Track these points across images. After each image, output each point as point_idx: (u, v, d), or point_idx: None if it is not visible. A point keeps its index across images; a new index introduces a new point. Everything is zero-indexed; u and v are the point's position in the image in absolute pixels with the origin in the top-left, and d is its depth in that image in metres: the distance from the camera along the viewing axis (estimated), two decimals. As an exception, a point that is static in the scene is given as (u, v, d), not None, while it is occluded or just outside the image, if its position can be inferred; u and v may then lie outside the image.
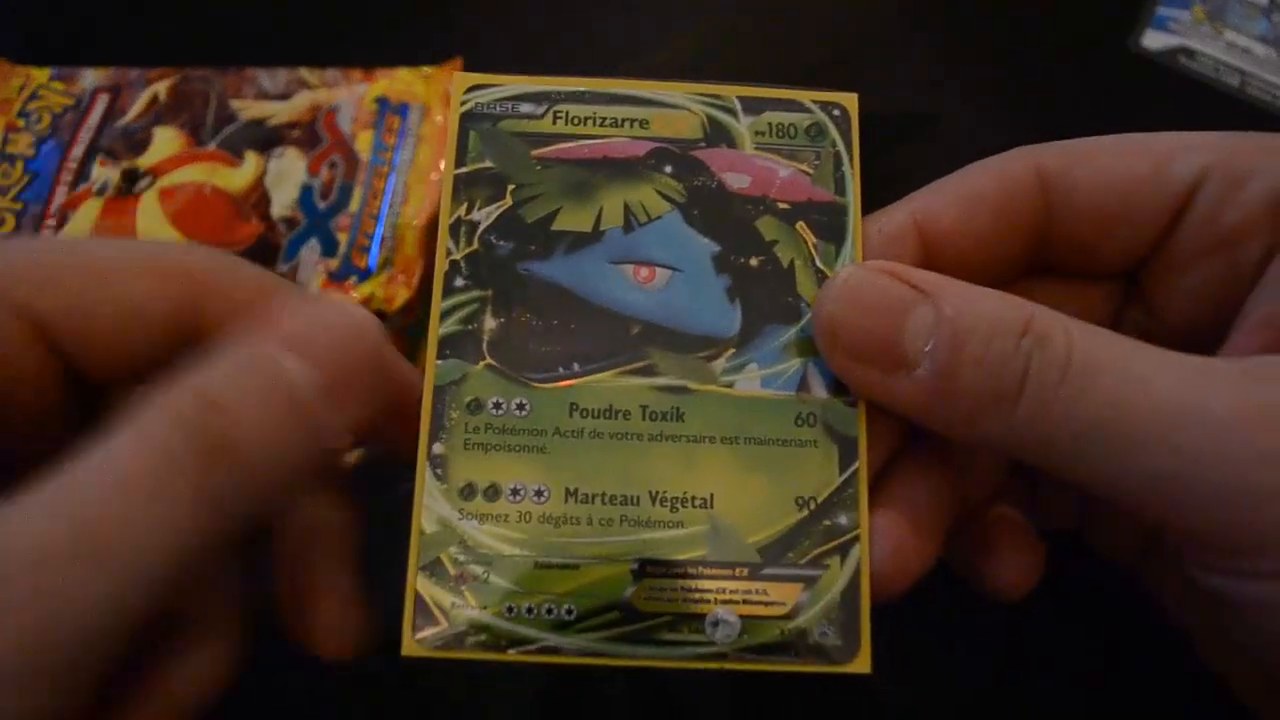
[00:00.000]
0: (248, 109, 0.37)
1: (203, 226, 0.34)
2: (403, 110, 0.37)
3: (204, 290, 0.18)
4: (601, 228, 0.20)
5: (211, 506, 0.15)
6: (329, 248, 0.34)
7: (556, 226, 0.20)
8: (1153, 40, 0.41)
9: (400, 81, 0.38)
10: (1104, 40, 0.41)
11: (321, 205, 0.35)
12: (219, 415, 0.15)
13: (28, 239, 0.33)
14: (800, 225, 0.20)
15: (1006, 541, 0.21)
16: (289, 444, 0.16)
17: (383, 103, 0.37)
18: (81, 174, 0.35)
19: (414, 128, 0.37)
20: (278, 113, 0.37)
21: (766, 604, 0.18)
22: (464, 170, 0.20)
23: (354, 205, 0.35)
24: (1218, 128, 0.38)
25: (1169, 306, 0.21)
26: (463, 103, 0.20)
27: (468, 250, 0.20)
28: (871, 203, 0.20)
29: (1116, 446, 0.16)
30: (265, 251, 0.34)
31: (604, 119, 0.20)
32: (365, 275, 0.34)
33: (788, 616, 0.18)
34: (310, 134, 0.36)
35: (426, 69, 0.38)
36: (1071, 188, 0.20)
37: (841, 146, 0.21)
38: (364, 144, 0.36)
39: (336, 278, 0.34)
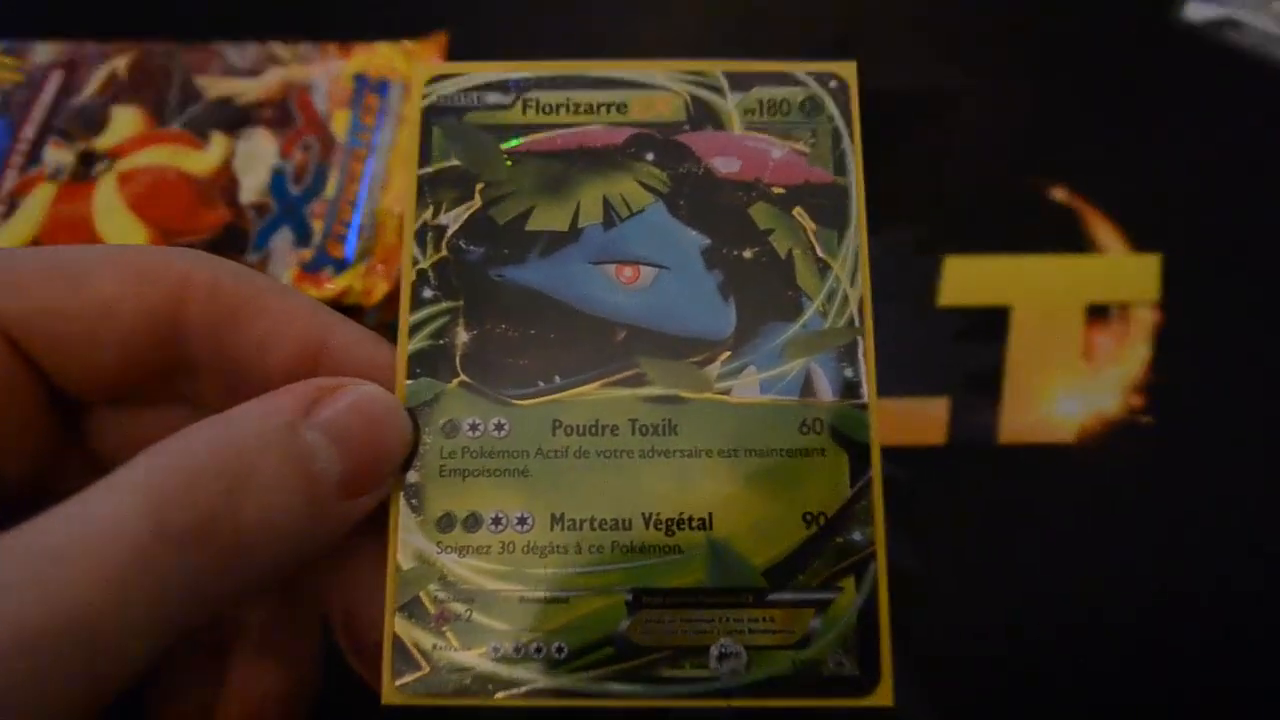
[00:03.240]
0: (214, 86, 0.36)
1: (165, 213, 0.34)
2: (382, 88, 0.36)
3: (182, 292, 0.17)
4: (579, 225, 0.19)
5: (202, 590, 0.14)
6: (303, 236, 0.34)
7: (531, 227, 0.19)
8: (1196, 11, 0.41)
9: (380, 57, 0.37)
10: (1145, 11, 0.41)
11: (294, 190, 0.34)
12: (231, 485, 0.15)
13: None
14: (798, 211, 0.19)
15: None
16: (293, 531, 0.16)
17: (361, 80, 0.36)
18: (33, 156, 0.35)
19: (394, 107, 0.36)
20: (246, 90, 0.36)
21: (775, 632, 0.18)
22: (428, 170, 0.20)
23: (330, 190, 0.34)
24: (1264, 103, 0.38)
25: None
26: (424, 96, 0.20)
27: (436, 258, 0.19)
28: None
29: None
30: (233, 240, 0.34)
31: (578, 105, 0.20)
32: (342, 266, 0.33)
33: (799, 645, 0.18)
34: (282, 113, 0.36)
35: (408, 43, 0.38)
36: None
37: (840, 122, 0.20)
38: (340, 124, 0.35)
39: (310, 269, 0.33)
